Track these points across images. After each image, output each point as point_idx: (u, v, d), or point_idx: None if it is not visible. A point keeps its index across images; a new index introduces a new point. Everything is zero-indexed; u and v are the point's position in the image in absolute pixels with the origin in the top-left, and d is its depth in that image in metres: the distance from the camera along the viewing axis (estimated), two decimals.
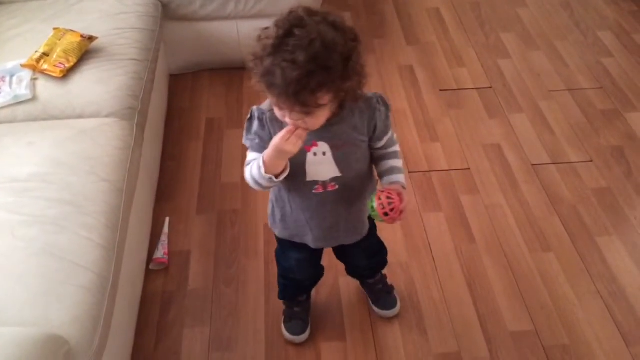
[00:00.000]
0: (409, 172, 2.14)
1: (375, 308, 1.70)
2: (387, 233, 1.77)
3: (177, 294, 1.77)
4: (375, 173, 1.36)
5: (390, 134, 1.30)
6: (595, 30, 2.87)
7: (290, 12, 1.05)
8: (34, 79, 1.79)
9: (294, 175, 1.21)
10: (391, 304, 1.69)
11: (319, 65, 1.00)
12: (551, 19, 2.95)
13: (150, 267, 1.83)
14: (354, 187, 1.30)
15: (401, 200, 1.20)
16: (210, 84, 2.57)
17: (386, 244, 1.63)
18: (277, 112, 1.12)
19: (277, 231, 1.43)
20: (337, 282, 1.78)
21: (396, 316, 1.69)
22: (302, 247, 1.42)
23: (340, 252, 1.60)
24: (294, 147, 1.10)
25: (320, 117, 1.10)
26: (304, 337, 1.64)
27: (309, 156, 1.21)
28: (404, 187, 1.28)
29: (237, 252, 1.89)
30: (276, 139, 1.11)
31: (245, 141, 1.26)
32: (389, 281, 1.73)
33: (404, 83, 2.55)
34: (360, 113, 1.21)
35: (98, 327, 1.22)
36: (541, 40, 2.81)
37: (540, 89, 2.53)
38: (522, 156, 2.22)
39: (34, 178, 1.46)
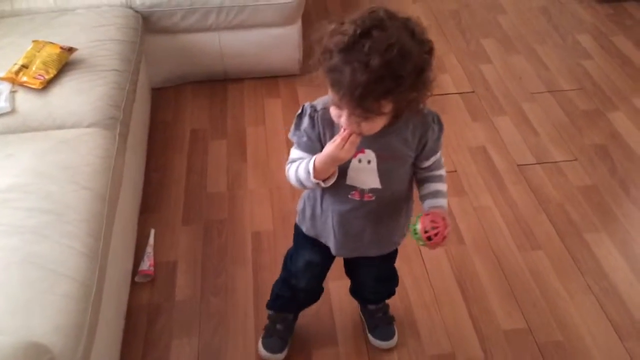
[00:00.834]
0: None
1: (371, 337, 1.62)
2: None
3: (164, 305, 1.73)
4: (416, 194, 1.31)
5: (438, 155, 1.26)
6: (574, 33, 2.91)
7: (371, 12, 1.01)
8: (13, 92, 1.76)
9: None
10: (389, 335, 1.61)
11: (391, 72, 0.96)
12: (530, 24, 2.99)
13: (136, 279, 1.79)
14: (389, 204, 1.26)
15: (445, 226, 1.17)
16: (193, 96, 2.56)
17: None
18: (333, 111, 1.08)
19: (305, 228, 1.38)
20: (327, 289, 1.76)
21: None
22: (319, 250, 1.39)
23: (352, 267, 1.54)
24: (347, 154, 1.08)
25: (377, 124, 1.06)
26: (279, 356, 1.57)
27: (354, 162, 1.17)
28: (446, 212, 1.24)
29: (224, 261, 1.86)
30: (330, 147, 1.08)
31: (292, 137, 1.21)
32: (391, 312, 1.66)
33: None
34: (414, 128, 1.17)
35: (82, 336, 1.18)
36: (521, 44, 2.84)
37: (522, 92, 2.55)
38: (507, 157, 2.22)
39: (13, 189, 1.43)
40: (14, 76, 1.77)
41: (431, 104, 2.60)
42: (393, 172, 1.21)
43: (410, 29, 1.01)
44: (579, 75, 2.63)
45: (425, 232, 1.15)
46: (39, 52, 1.83)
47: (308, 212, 1.34)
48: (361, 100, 0.98)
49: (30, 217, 1.36)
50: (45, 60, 1.80)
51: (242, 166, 2.21)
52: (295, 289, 1.52)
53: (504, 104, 2.48)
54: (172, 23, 2.35)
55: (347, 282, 1.61)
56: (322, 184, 1.16)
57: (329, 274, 1.52)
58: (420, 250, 1.87)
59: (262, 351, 1.57)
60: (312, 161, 1.14)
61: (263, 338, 1.59)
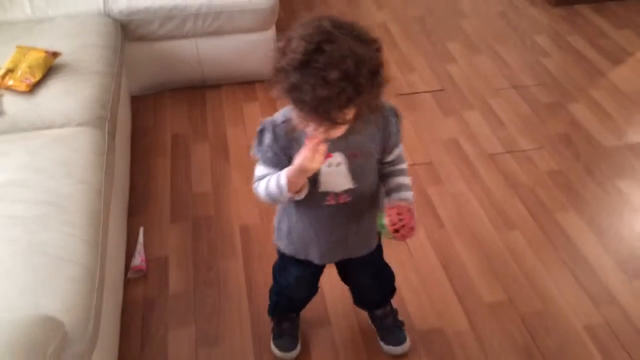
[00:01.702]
0: None
1: (383, 345, 1.60)
2: None
3: (158, 298, 1.77)
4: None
5: (400, 148, 1.28)
6: (532, 34, 3.08)
7: (316, 25, 1.00)
8: (0, 96, 1.79)
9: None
10: (401, 340, 1.59)
11: (350, 82, 0.98)
12: (491, 27, 3.15)
13: (129, 275, 1.82)
14: (366, 199, 1.27)
15: (411, 217, 1.18)
16: (172, 103, 2.60)
17: None
18: (299, 122, 1.08)
19: (282, 246, 1.38)
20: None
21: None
22: (305, 263, 1.39)
23: (345, 272, 1.54)
24: (317, 164, 1.09)
25: (343, 127, 1.09)
26: (294, 353, 1.58)
27: (323, 167, 1.17)
28: (412, 205, 1.26)
29: (215, 255, 1.91)
30: (300, 159, 1.09)
31: (257, 154, 1.22)
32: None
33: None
34: (375, 122, 1.19)
35: (90, 316, 1.21)
36: (484, 46, 2.99)
37: (488, 88, 2.68)
38: (478, 148, 2.34)
39: (11, 184, 1.46)
40: (0, 80, 1.80)
41: (404, 102, 2.72)
42: (364, 168, 1.23)
43: (357, 34, 1.02)
44: (539, 72, 2.79)
45: (393, 224, 1.16)
46: (24, 56, 1.86)
47: (284, 229, 1.34)
48: (326, 114, 1.00)
49: (31, 209, 1.39)
50: (30, 64, 1.83)
51: (226, 167, 2.26)
52: (292, 299, 1.57)
53: (471, 100, 2.61)
54: (150, 31, 2.41)
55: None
56: (296, 197, 1.17)
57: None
58: None
59: (276, 352, 1.58)
60: (282, 176, 1.14)
61: (273, 339, 1.60)
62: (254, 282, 1.80)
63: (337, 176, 1.20)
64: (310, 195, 1.20)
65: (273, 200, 1.21)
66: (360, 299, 1.63)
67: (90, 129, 1.73)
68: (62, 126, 1.73)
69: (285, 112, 1.17)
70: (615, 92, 2.64)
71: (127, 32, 2.36)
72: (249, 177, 2.17)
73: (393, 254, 1.87)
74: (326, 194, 1.22)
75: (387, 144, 1.24)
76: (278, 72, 1.02)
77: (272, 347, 1.60)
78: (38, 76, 1.82)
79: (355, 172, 1.21)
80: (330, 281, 1.64)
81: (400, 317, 1.65)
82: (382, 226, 1.19)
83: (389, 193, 1.29)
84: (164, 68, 2.56)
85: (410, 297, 1.76)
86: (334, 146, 1.14)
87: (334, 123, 1.03)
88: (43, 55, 1.87)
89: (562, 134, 2.41)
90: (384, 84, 1.06)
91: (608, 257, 1.88)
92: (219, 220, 2.03)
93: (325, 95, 0.97)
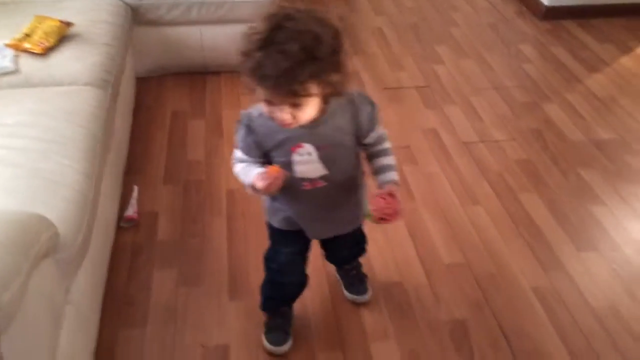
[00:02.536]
0: None
1: (347, 293, 1.75)
2: None
3: (146, 244, 1.94)
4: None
5: (379, 131, 1.34)
6: (517, 44, 3.28)
7: (278, 8, 1.09)
8: (16, 56, 1.99)
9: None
10: (363, 291, 1.74)
11: (310, 55, 1.03)
12: (479, 36, 3.35)
13: (122, 224, 1.99)
14: (343, 183, 1.33)
15: (396, 203, 1.25)
16: (175, 85, 2.80)
17: None
18: (266, 109, 1.15)
19: (276, 223, 1.45)
20: None
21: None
22: (295, 240, 1.46)
23: (324, 243, 1.64)
24: (275, 189, 1.22)
25: (309, 110, 1.14)
26: (285, 347, 1.61)
27: (295, 156, 1.25)
28: (397, 184, 1.33)
29: (202, 212, 2.08)
30: (259, 184, 1.21)
31: (236, 138, 1.33)
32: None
33: (351, 85, 2.85)
34: (342, 112, 1.25)
35: (81, 229, 1.38)
36: (471, 51, 3.19)
37: (471, 87, 2.86)
38: (454, 137, 2.51)
39: (21, 124, 1.64)
40: (18, 43, 2.01)
41: (389, 95, 2.91)
42: (336, 157, 1.28)
43: (317, 18, 1.09)
44: (520, 76, 2.97)
45: (379, 212, 1.24)
46: (40, 24, 2.07)
47: (273, 208, 1.43)
48: (289, 86, 1.06)
49: (35, 144, 1.57)
50: (46, 31, 2.04)
51: (219, 141, 2.45)
52: (283, 286, 1.59)
53: (454, 96, 2.79)
54: (157, 15, 2.62)
55: None
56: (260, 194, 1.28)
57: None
58: None
59: (268, 346, 1.61)
60: (251, 176, 1.26)
61: (265, 334, 1.62)
62: (235, 238, 1.97)
63: (309, 164, 1.27)
64: (289, 180, 1.27)
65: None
66: (332, 259, 1.77)
67: (94, 89, 1.92)
68: (70, 84, 1.92)
69: (261, 106, 1.22)
70: (589, 96, 2.82)
71: (136, 15, 2.57)
72: None
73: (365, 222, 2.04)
74: (302, 179, 1.30)
75: (360, 132, 1.30)
76: (243, 56, 1.09)
77: (264, 340, 1.62)
78: (52, 41, 2.03)
79: (326, 160, 1.27)
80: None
81: (364, 271, 1.81)
82: (370, 215, 1.28)
83: (375, 175, 1.37)
84: (168, 52, 2.77)
85: (375, 255, 1.92)
86: (302, 138, 1.23)
87: (297, 96, 1.09)
88: (58, 23, 2.08)
89: (534, 129, 2.57)
90: (345, 66, 1.13)
91: (562, 232, 2.03)
92: (209, 184, 2.21)
93: (287, 67, 1.03)
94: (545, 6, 3.47)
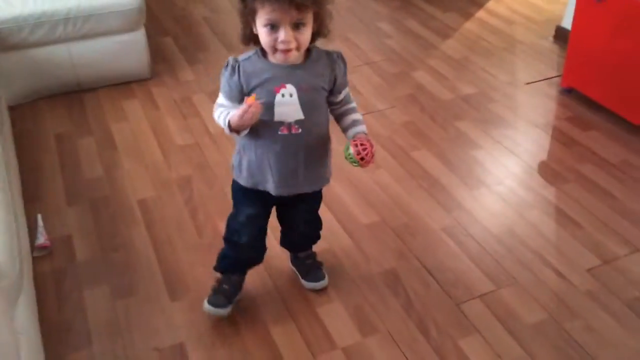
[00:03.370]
0: None
1: (304, 282, 1.79)
2: None
3: (68, 267, 1.87)
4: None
5: (347, 89, 1.50)
6: (375, 22, 3.54)
7: None
8: None
9: (263, 116, 1.36)
10: (320, 277, 1.79)
11: None
12: (341, 19, 3.56)
13: (35, 254, 1.90)
14: (314, 134, 1.45)
15: (372, 145, 1.40)
16: (51, 108, 2.68)
17: None
18: (269, 37, 1.29)
19: (242, 180, 1.52)
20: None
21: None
22: (257, 201, 1.55)
23: (284, 213, 1.68)
24: (250, 121, 1.33)
25: (306, 34, 1.30)
26: (222, 311, 1.64)
27: (278, 97, 1.37)
28: (367, 135, 1.48)
29: (117, 225, 2.04)
30: (235, 118, 1.32)
31: (221, 81, 1.41)
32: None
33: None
34: (323, 63, 1.41)
35: (16, 255, 1.33)
36: (336, 34, 3.36)
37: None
38: None
39: None
40: None
41: None
42: (314, 103, 1.41)
43: None
44: (385, 50, 3.23)
45: (358, 153, 1.38)
46: None
47: (245, 163, 1.49)
48: None
49: None
50: None
51: (115, 154, 2.40)
52: (239, 246, 1.62)
53: None
54: (20, 38, 2.49)
55: None
56: (237, 135, 1.40)
57: None
58: None
59: (207, 306, 1.64)
60: (227, 116, 1.36)
61: (209, 297, 1.65)
62: (158, 240, 1.97)
63: (289, 106, 1.38)
64: (267, 125, 1.39)
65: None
66: (288, 241, 1.80)
67: None
68: None
69: (250, 53, 1.38)
70: (447, 59, 3.14)
71: None
72: (138, 159, 2.36)
73: None
74: (280, 123, 1.40)
75: (335, 83, 1.45)
76: None
77: (205, 303, 1.65)
78: None
79: (305, 104, 1.39)
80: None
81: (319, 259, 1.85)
82: (350, 155, 1.40)
83: (346, 130, 1.51)
84: (38, 75, 2.64)
85: None
86: (286, 79, 1.37)
87: (301, 7, 1.24)
88: None
89: (409, 95, 2.83)
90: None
91: (454, 177, 2.28)
92: (116, 198, 2.17)
93: None
94: None
